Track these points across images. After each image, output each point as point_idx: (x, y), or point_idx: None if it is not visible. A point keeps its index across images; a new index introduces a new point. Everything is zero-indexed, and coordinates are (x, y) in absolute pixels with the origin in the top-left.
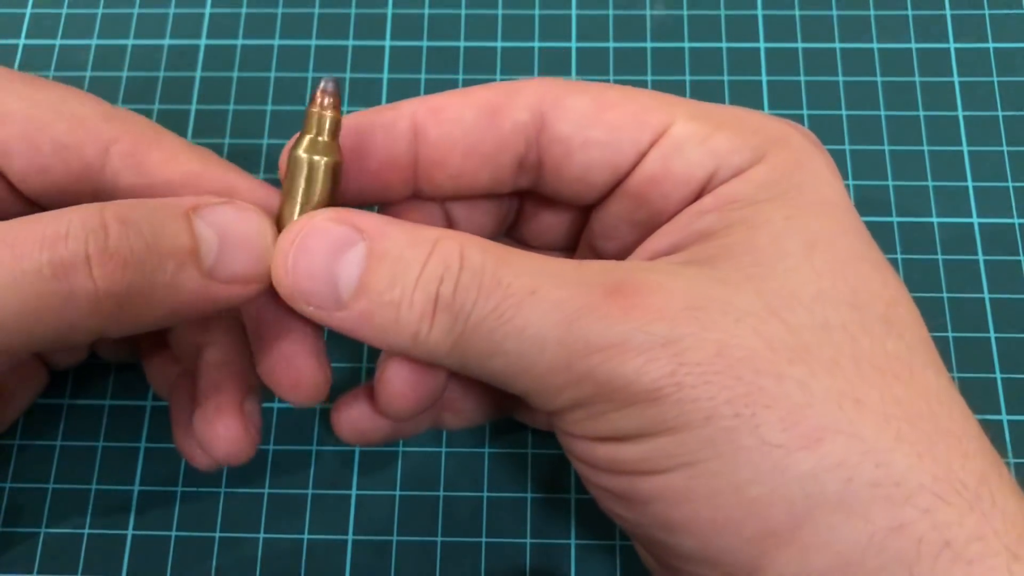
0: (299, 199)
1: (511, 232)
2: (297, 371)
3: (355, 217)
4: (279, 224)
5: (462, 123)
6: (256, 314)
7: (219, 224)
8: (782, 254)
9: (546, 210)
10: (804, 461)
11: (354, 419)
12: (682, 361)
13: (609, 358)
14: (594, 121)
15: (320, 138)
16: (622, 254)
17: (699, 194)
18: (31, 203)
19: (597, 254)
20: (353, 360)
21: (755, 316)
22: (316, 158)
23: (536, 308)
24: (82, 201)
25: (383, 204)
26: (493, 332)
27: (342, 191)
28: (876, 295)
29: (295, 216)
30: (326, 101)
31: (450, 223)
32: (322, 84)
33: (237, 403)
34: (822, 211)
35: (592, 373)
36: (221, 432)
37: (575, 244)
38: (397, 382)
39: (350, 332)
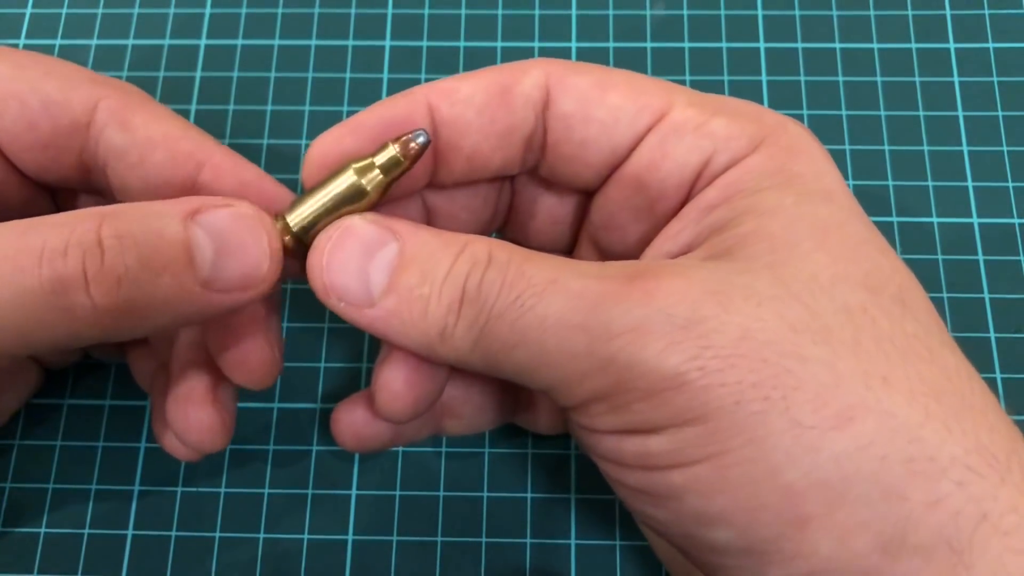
0: (320, 200)
1: (508, 232)
2: (246, 351)
3: (389, 220)
4: (288, 213)
5: (474, 102)
6: None
7: (216, 230)
8: (796, 240)
9: (544, 206)
10: (837, 441)
11: (353, 424)
12: (706, 344)
13: (630, 342)
14: (596, 100)
15: (378, 173)
16: (623, 244)
17: (695, 179)
18: (17, 171)
19: (598, 246)
20: (353, 360)
21: (778, 300)
22: (363, 183)
23: (557, 296)
24: (67, 161)
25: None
26: (515, 322)
27: None
28: (888, 278)
29: (304, 214)
30: (408, 152)
31: (430, 219)
32: (417, 136)
33: (209, 390)
34: (825, 197)
35: (614, 359)
36: (193, 419)
37: (573, 245)
38: (395, 383)
39: (378, 330)
